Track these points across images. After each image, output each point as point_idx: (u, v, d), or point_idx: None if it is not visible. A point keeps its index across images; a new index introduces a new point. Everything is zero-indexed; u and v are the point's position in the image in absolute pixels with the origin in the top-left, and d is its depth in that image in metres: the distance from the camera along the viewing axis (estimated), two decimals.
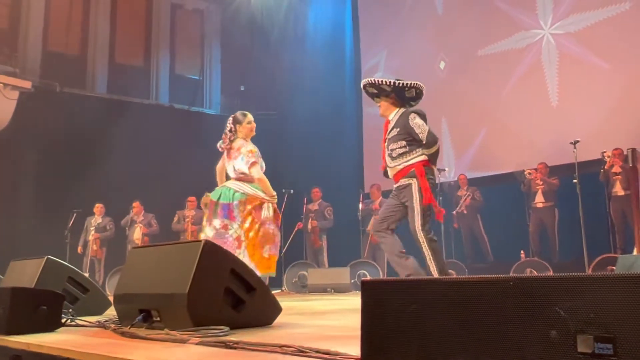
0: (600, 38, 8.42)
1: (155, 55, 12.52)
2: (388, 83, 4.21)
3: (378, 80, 4.26)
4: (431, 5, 10.65)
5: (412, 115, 4.12)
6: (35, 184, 9.89)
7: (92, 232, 9.45)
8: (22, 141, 9.91)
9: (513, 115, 9.21)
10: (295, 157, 11.08)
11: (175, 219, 9.68)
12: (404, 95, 4.24)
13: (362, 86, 4.39)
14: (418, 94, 4.27)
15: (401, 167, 4.11)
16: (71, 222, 9.41)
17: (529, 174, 8.19)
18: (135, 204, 9.57)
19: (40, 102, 10.14)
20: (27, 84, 10.18)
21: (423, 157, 4.08)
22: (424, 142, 4.04)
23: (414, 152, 4.10)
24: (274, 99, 12.38)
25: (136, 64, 12.44)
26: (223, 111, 12.95)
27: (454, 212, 9.01)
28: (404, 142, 4.10)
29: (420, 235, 3.97)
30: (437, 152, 4.13)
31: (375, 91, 4.34)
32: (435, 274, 3.85)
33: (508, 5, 9.53)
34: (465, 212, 8.90)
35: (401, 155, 4.13)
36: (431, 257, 3.92)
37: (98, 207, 9.54)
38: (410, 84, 4.18)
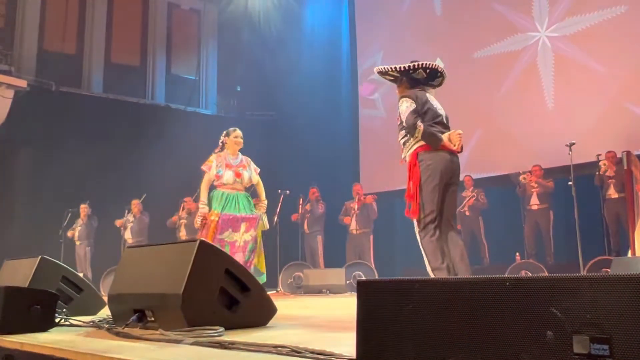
0: (596, 41, 8.44)
1: (152, 55, 12.50)
2: (393, 69, 4.01)
3: (385, 68, 4.05)
4: (429, 7, 10.67)
5: (400, 102, 3.90)
6: (29, 183, 9.86)
7: (77, 229, 9.53)
8: (17, 140, 9.87)
9: (508, 117, 9.23)
10: (291, 158, 11.08)
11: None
12: (413, 78, 3.99)
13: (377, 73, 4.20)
14: (432, 73, 3.99)
15: (409, 153, 3.90)
16: (66, 222, 9.40)
17: (524, 178, 8.20)
18: (134, 202, 9.55)
19: (35, 101, 10.10)
20: (22, 83, 10.14)
21: (418, 144, 3.82)
22: (409, 127, 3.78)
23: (411, 139, 3.86)
24: (270, 99, 12.37)
25: (132, 63, 12.42)
26: (219, 111, 12.94)
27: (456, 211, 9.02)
28: (403, 132, 3.90)
29: (417, 234, 3.79)
30: (428, 135, 3.76)
31: (390, 78, 4.14)
32: (430, 274, 3.65)
33: (504, 8, 9.55)
34: (467, 213, 8.89)
35: (404, 145, 3.91)
36: (425, 257, 3.70)
37: (83, 207, 9.59)
38: (414, 65, 3.94)
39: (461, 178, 9.38)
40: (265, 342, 1.79)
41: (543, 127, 8.71)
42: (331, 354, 1.53)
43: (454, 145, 3.82)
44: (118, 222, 9.60)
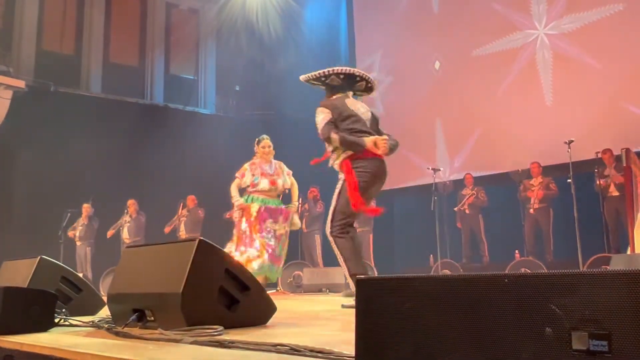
0: (594, 38, 8.45)
1: (150, 55, 12.49)
2: (310, 77, 4.01)
3: (307, 77, 4.04)
4: (426, 5, 10.68)
5: (316, 113, 3.90)
6: (28, 184, 9.85)
7: (79, 229, 9.54)
8: (16, 141, 9.87)
9: (507, 115, 9.24)
10: (290, 157, 11.06)
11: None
12: (331, 86, 3.98)
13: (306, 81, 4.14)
14: (349, 79, 3.96)
15: (337, 161, 3.89)
16: (65, 222, 9.41)
17: (530, 189, 8.21)
18: (130, 202, 9.55)
19: (34, 102, 10.10)
20: (21, 84, 10.14)
21: (345, 154, 3.82)
22: (326, 141, 3.81)
23: (332, 150, 3.88)
24: (268, 99, 12.37)
25: (131, 63, 12.41)
26: (218, 111, 12.94)
27: (455, 209, 9.04)
28: (327, 146, 3.95)
29: (328, 234, 3.82)
30: (347, 143, 3.73)
31: (318, 84, 4.11)
32: (347, 277, 3.70)
33: (503, 6, 9.56)
34: (467, 211, 8.91)
35: (333, 152, 3.92)
36: (340, 258, 3.73)
37: (86, 207, 9.60)
38: (325, 72, 3.92)
39: (461, 176, 9.47)
40: (264, 341, 1.79)
41: (542, 124, 8.73)
42: (330, 352, 1.53)
43: (379, 150, 3.74)
44: (109, 233, 9.60)
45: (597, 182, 7.47)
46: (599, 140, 7.74)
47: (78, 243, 9.57)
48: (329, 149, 3.93)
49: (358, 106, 3.97)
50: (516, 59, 9.31)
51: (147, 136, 10.54)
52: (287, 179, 6.05)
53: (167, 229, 9.66)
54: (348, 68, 3.98)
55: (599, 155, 7.41)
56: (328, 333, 2.34)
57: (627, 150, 5.67)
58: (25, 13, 10.96)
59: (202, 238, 2.44)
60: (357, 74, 3.98)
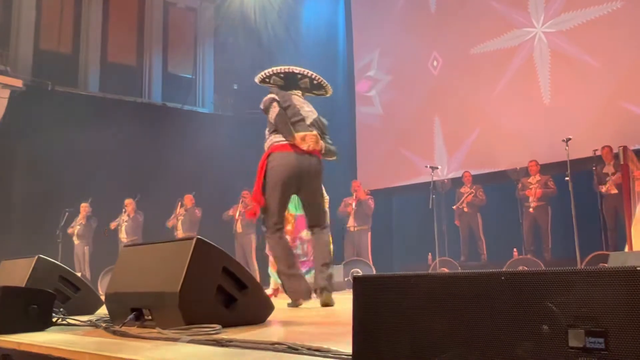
0: (592, 36, 8.45)
1: (148, 54, 12.47)
2: (260, 79, 4.03)
3: (260, 76, 4.06)
4: (424, 4, 10.67)
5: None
6: (26, 183, 9.84)
7: (77, 228, 9.54)
8: (14, 140, 9.85)
9: (505, 113, 9.24)
10: None
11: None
12: (277, 86, 4.02)
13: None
14: (290, 77, 3.99)
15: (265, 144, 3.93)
16: (63, 221, 9.40)
17: (528, 187, 8.21)
18: (128, 201, 9.55)
19: (32, 101, 10.08)
20: (18, 83, 10.11)
21: (271, 141, 3.82)
22: (265, 112, 3.84)
23: (270, 137, 3.86)
24: None
25: (129, 62, 12.39)
26: (216, 110, 12.93)
27: (454, 207, 9.04)
28: (267, 130, 3.91)
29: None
30: (282, 122, 3.74)
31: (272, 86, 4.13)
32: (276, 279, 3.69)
33: (500, 4, 9.55)
34: (465, 209, 8.90)
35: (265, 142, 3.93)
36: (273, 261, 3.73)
37: (84, 206, 9.59)
38: (267, 72, 3.97)
39: (460, 174, 9.44)
40: (262, 340, 1.79)
41: (540, 122, 8.73)
42: (328, 351, 1.53)
43: (304, 143, 3.74)
44: (112, 225, 9.62)
45: (595, 180, 7.48)
46: (596, 138, 7.74)
47: (76, 242, 9.56)
48: (267, 134, 3.91)
49: (304, 105, 3.99)
50: (514, 57, 9.31)
51: (145, 135, 10.53)
52: None
53: (169, 223, 9.69)
54: (288, 67, 4.00)
55: (597, 153, 7.42)
56: (326, 331, 2.34)
57: (625, 148, 5.69)
58: (22, 12, 10.93)
59: (199, 237, 2.44)
60: (297, 71, 4.00)
